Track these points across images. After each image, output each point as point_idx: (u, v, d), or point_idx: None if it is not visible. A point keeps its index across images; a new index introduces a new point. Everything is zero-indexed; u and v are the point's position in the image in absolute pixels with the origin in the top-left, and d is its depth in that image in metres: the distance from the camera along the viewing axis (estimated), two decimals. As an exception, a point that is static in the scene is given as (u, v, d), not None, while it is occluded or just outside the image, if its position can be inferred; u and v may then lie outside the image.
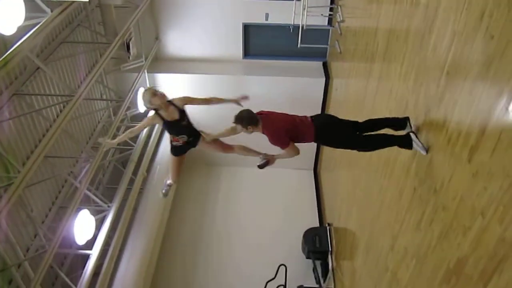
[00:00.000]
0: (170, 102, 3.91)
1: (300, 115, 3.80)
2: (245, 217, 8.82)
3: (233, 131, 3.86)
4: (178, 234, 8.46)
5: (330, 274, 7.22)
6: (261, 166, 3.94)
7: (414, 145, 3.39)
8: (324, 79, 8.53)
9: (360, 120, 3.89)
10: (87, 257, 5.73)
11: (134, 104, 8.00)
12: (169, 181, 4.59)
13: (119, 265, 6.43)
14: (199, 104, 4.16)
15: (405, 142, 3.47)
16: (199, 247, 8.25)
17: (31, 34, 4.12)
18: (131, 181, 7.26)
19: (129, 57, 7.20)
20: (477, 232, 2.56)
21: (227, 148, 4.21)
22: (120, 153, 7.84)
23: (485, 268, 2.46)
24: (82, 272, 5.75)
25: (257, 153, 4.04)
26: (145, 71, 8.23)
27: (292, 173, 9.92)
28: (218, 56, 9.13)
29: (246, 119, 3.59)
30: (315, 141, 3.77)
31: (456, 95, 2.91)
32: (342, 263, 6.92)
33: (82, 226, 5.59)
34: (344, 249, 6.85)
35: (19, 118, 5.17)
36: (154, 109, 3.87)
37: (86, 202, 6.31)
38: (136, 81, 7.79)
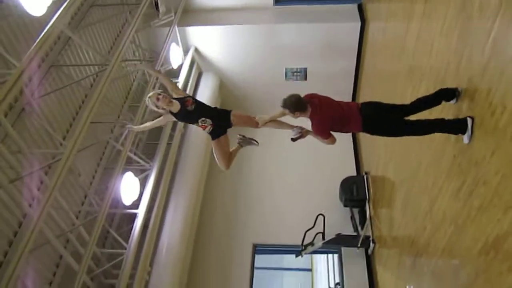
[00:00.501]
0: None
1: (348, 102, 3.77)
2: (282, 168, 8.94)
3: (283, 114, 3.86)
4: (218, 186, 8.73)
5: (367, 222, 7.35)
6: (294, 139, 4.00)
7: (469, 132, 3.21)
8: (359, 23, 8.12)
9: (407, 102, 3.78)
10: (134, 214, 6.07)
11: (167, 60, 7.99)
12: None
13: (165, 220, 6.79)
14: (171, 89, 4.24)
15: (459, 128, 3.28)
16: (238, 199, 8.52)
17: (62, 11, 4.12)
18: (170, 137, 7.42)
19: (158, 15, 7.09)
20: (518, 213, 2.53)
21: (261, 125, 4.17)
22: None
23: (525, 250, 2.45)
24: (130, 227, 6.16)
25: (291, 126, 4.04)
26: (176, 25, 8.11)
27: (328, 120, 9.84)
28: (248, 4, 8.80)
29: (295, 105, 3.58)
30: (362, 131, 3.72)
31: (502, 66, 2.74)
32: (380, 211, 7.01)
33: (128, 188, 5.88)
34: (382, 198, 6.89)
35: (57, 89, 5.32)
36: (163, 109, 3.97)
37: (128, 162, 6.56)
38: (168, 37, 7.69)
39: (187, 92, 8.24)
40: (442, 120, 3.42)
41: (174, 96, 4.09)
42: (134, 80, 7.96)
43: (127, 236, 6.31)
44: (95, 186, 6.24)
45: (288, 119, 3.96)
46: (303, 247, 7.21)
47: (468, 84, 3.30)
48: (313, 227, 7.16)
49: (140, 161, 6.65)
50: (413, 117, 3.66)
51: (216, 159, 4.21)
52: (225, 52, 9.01)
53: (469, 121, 3.19)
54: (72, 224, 5.32)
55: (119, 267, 5.68)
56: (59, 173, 4.22)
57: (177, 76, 8.15)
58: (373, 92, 7.83)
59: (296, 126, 3.95)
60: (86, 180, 6.15)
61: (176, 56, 8.20)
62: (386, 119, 3.55)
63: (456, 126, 3.31)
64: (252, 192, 8.58)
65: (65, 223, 5.22)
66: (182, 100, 4.01)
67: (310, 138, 9.21)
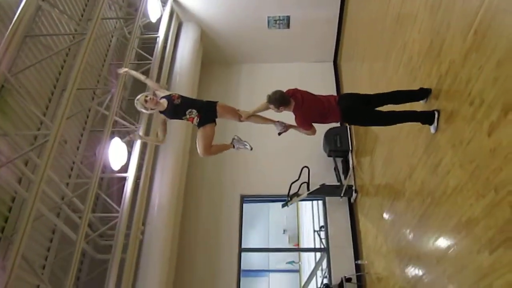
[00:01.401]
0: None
1: (327, 95, 3.98)
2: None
3: (265, 107, 4.06)
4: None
5: (350, 171, 7.64)
6: (280, 133, 4.32)
7: (435, 123, 3.56)
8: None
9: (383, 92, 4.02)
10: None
11: (145, 14, 7.67)
12: None
13: (154, 179, 6.93)
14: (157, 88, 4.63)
15: (427, 119, 3.63)
16: (226, 153, 8.58)
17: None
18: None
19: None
20: (488, 204, 2.72)
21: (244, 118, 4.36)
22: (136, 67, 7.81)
23: (493, 238, 2.67)
24: (118, 187, 6.32)
25: (273, 121, 4.29)
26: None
27: (311, 67, 9.81)
28: None
29: (279, 101, 3.83)
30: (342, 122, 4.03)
31: (482, 61, 2.79)
32: (364, 160, 7.25)
33: (116, 154, 5.95)
34: (365, 149, 7.08)
35: (34, 59, 5.17)
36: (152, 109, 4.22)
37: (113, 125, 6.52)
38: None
39: (168, 45, 8.05)
40: (414, 111, 3.75)
41: (161, 95, 4.28)
42: (112, 36, 7.70)
43: (117, 196, 6.51)
44: (81, 152, 6.28)
45: (271, 113, 4.14)
46: (289, 198, 7.53)
47: (449, 65, 3.35)
48: (298, 179, 7.42)
49: (126, 123, 6.66)
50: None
51: (197, 143, 4.32)
52: (205, 0, 8.67)
53: (436, 114, 3.54)
54: (62, 196, 5.45)
55: (112, 227, 5.91)
56: (48, 154, 4.26)
57: (156, 30, 7.91)
58: (357, 42, 7.76)
59: (278, 121, 4.22)
60: (72, 147, 6.19)
61: (154, 8, 7.86)
62: (362, 112, 3.83)
63: (425, 117, 3.64)
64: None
65: (56, 194, 5.35)
66: (169, 97, 4.21)
67: (294, 86, 9.16)
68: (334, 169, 7.94)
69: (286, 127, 4.22)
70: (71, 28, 5.98)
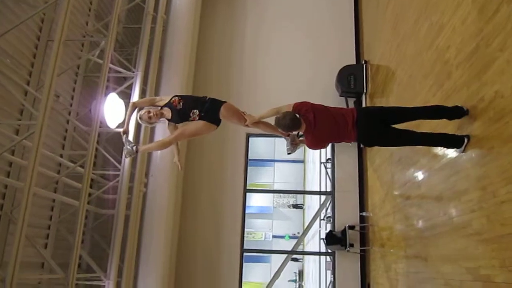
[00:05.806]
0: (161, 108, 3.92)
1: (345, 111, 3.52)
2: (278, 51, 8.25)
3: (274, 113, 3.62)
4: (208, 78, 8.20)
5: (362, 115, 7.22)
6: (289, 153, 3.90)
7: (462, 148, 3.20)
8: None
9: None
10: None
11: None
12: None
13: (155, 128, 6.60)
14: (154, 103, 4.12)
15: (456, 143, 3.23)
16: (231, 89, 8.11)
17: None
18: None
19: None
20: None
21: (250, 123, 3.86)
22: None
23: None
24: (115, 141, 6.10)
25: (282, 133, 3.78)
26: None
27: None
28: None
29: (289, 127, 3.43)
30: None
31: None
32: (375, 101, 6.83)
33: (112, 111, 5.57)
34: (382, 92, 6.52)
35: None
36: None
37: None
38: None
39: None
40: (440, 134, 3.37)
41: (161, 103, 3.92)
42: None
43: (114, 149, 6.33)
44: (75, 107, 5.90)
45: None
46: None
47: (494, 98, 2.83)
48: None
49: (122, 69, 6.12)
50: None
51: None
52: None
53: (466, 140, 3.17)
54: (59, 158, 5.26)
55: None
56: (37, 145, 3.92)
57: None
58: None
59: (288, 135, 3.73)
60: (66, 98, 5.79)
61: None
62: (381, 138, 3.42)
63: (453, 142, 3.27)
64: (246, 82, 8.14)
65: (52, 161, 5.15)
66: (170, 104, 3.86)
67: (306, 14, 8.25)
68: (345, 109, 7.50)
69: (295, 145, 3.76)
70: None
